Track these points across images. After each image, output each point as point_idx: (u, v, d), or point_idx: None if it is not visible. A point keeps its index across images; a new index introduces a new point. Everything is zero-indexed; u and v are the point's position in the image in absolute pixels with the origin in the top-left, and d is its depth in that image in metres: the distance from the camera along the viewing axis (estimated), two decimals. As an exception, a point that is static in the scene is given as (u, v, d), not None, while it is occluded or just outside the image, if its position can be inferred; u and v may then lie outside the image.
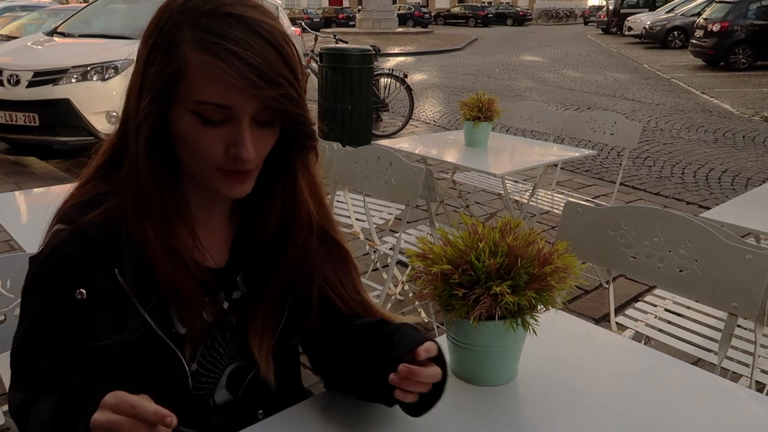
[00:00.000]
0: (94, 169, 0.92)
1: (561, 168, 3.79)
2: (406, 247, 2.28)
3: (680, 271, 1.45)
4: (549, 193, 3.50)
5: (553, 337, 1.20)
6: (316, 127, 0.91)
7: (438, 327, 2.56)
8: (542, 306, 1.02)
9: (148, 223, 0.84)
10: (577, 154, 3.32)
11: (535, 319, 1.01)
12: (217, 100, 0.80)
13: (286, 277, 0.97)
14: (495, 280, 0.98)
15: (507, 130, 4.49)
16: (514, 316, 1.00)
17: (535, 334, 1.01)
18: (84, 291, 0.83)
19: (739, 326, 1.91)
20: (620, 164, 3.52)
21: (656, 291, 2.23)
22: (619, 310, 2.25)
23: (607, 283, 3.20)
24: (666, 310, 2.08)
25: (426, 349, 0.84)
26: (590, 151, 3.52)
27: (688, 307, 2.08)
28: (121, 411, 0.69)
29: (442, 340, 1.15)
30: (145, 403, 0.69)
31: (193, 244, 0.89)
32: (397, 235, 2.41)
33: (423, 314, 2.64)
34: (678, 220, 1.46)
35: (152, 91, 0.81)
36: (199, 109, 0.81)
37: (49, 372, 0.83)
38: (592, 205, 1.66)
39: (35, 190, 2.56)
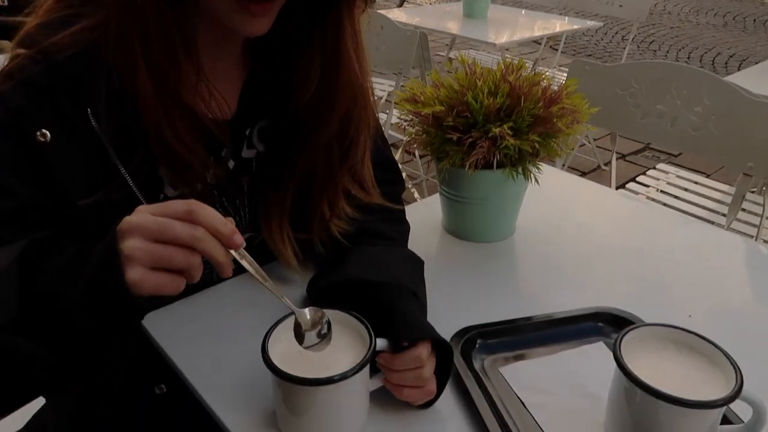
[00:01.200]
0: None
1: (562, 52, 3.58)
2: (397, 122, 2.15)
3: (694, 130, 1.34)
4: (550, 71, 3.32)
5: (554, 194, 1.11)
6: None
7: (427, 180, 2.48)
8: (545, 154, 0.92)
9: (140, 50, 0.64)
10: (581, 26, 3.10)
11: (538, 168, 0.91)
12: None
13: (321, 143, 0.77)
14: (494, 123, 0.87)
15: (507, 3, 4.21)
16: (514, 164, 0.90)
17: (537, 183, 0.91)
18: (47, 133, 0.64)
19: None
20: (624, 48, 3.31)
21: (658, 166, 2.14)
22: (619, 189, 2.17)
23: (606, 164, 3.13)
24: (668, 183, 2.00)
25: (416, 357, 0.64)
26: (595, 23, 3.29)
27: (695, 182, 2.00)
28: (173, 213, 0.54)
29: (433, 200, 1.06)
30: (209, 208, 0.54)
31: (196, 81, 0.69)
32: (387, 112, 2.26)
33: (416, 194, 2.56)
34: (697, 75, 1.33)
35: None
36: None
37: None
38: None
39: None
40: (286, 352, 0.63)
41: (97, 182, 0.67)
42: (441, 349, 0.66)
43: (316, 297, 0.78)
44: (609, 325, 0.78)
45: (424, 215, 1.05)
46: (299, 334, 0.62)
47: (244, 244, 0.57)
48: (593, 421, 0.65)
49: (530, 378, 0.71)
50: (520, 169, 0.90)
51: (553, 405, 0.67)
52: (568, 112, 0.89)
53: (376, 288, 0.72)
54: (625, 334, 0.62)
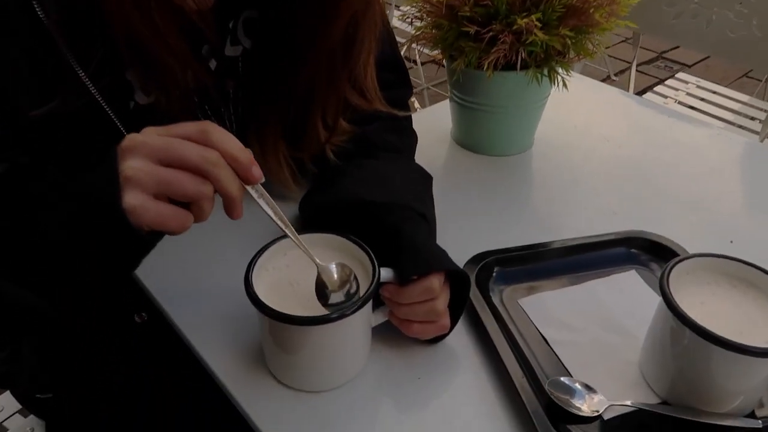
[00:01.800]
0: None
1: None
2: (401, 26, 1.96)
3: (732, 32, 1.19)
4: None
5: (576, 102, 0.99)
6: None
7: (428, 89, 2.33)
8: (574, 54, 0.79)
9: None
10: None
11: (567, 69, 0.79)
12: None
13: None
14: (519, 14, 0.73)
15: None
16: (540, 65, 0.77)
17: (566, 87, 0.79)
18: None
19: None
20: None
21: (678, 75, 1.99)
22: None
23: (617, 74, 2.96)
24: (688, 94, 1.86)
25: (427, 288, 0.55)
26: None
27: (713, 91, 1.86)
28: (184, 133, 0.45)
29: (442, 108, 0.94)
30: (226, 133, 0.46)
31: None
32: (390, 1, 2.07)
33: (417, 104, 2.41)
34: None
35: None
36: None
37: None
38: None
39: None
40: (274, 283, 0.54)
41: (52, 89, 0.54)
42: (455, 278, 0.57)
43: (309, 217, 0.67)
44: (643, 251, 0.69)
45: (431, 125, 0.93)
46: (323, 295, 0.52)
47: (263, 179, 0.47)
48: (626, 361, 0.57)
49: (553, 311, 0.62)
50: (546, 71, 0.78)
51: (580, 342, 0.59)
52: (606, 2, 0.75)
53: (379, 208, 0.61)
54: (675, 265, 0.53)
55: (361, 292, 0.52)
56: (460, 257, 0.65)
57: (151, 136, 0.45)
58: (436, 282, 0.54)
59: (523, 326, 0.60)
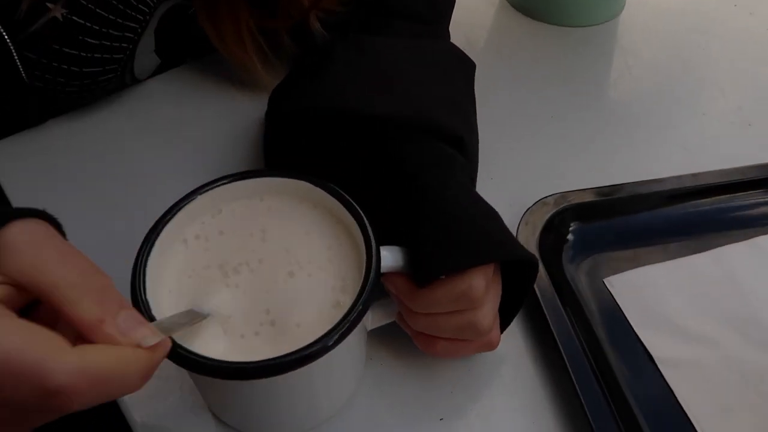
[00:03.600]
0: None
1: None
2: None
3: None
4: None
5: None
6: None
7: None
8: None
9: None
10: None
11: None
12: None
13: None
14: None
15: None
16: None
17: None
18: None
19: None
20: None
21: None
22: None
23: None
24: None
25: (462, 293, 0.30)
26: None
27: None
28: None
29: None
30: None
31: None
32: None
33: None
34: None
35: None
36: None
37: None
38: None
39: None
40: (193, 272, 0.31)
41: None
42: (511, 265, 0.33)
43: (277, 132, 0.42)
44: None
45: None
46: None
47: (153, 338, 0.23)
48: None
49: (662, 301, 0.39)
50: None
51: (706, 362, 0.36)
52: None
53: (384, 130, 0.36)
54: None
55: (345, 301, 0.29)
56: (508, 200, 0.41)
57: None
58: (479, 282, 0.30)
59: (613, 329, 0.38)
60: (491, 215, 0.33)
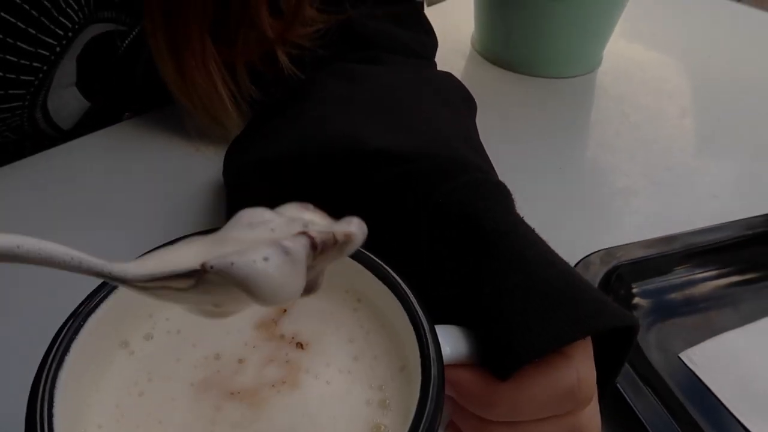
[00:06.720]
0: None
1: None
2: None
3: None
4: None
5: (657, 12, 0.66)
6: None
7: None
8: None
9: None
10: None
11: None
12: None
13: None
14: None
15: None
16: None
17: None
18: None
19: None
20: None
21: None
22: None
23: None
24: None
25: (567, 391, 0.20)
26: None
27: None
28: None
29: (459, 3, 0.59)
30: None
31: None
32: None
33: None
34: None
35: None
36: None
37: None
38: None
39: None
40: (131, 394, 0.19)
41: None
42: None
43: (249, 184, 0.31)
44: None
45: (443, 27, 0.58)
46: None
47: None
48: None
49: (751, 372, 0.30)
50: None
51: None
52: None
53: (408, 167, 0.26)
54: None
55: (389, 425, 0.18)
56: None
57: None
58: (588, 370, 0.20)
59: (707, 411, 0.28)
60: (568, 264, 0.23)
